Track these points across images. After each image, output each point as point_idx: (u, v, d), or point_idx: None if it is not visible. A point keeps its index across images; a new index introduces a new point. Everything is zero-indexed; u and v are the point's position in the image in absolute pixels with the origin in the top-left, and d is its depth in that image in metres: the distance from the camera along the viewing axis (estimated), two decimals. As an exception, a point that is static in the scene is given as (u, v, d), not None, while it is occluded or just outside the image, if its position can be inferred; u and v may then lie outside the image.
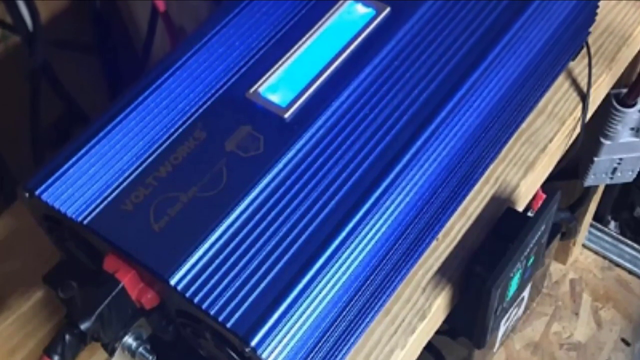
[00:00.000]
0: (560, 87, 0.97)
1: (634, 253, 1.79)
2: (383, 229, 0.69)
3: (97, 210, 0.68)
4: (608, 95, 1.09)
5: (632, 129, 1.15)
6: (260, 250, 0.65)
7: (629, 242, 1.79)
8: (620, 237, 1.80)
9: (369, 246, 0.68)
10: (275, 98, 0.74)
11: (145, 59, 1.48)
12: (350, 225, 0.67)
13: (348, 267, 0.66)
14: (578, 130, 0.97)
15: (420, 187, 0.71)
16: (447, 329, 1.01)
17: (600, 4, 0.90)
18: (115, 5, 1.54)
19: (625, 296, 1.77)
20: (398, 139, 0.71)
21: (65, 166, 0.70)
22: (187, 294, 0.63)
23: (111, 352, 0.70)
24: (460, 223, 0.85)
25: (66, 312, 0.67)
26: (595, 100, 1.00)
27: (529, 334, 1.73)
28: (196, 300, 0.62)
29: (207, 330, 0.64)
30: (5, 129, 1.42)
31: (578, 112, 0.96)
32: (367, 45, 0.77)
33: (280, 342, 0.62)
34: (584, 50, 0.96)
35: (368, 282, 0.69)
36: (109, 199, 0.68)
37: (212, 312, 0.62)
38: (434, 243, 0.83)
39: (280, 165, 0.69)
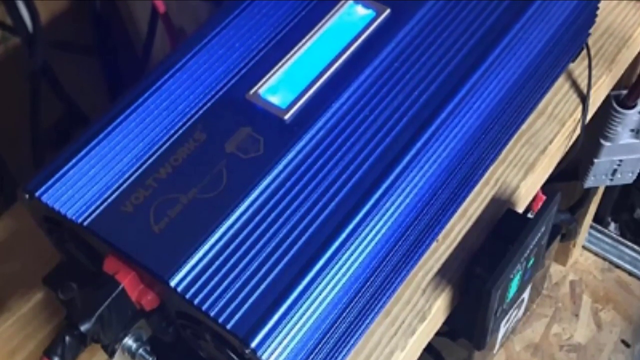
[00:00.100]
0: (560, 89, 0.97)
1: (634, 254, 1.79)
2: (383, 231, 0.69)
3: (97, 211, 0.68)
4: (608, 97, 1.09)
5: (632, 130, 1.15)
6: (260, 251, 0.65)
7: (629, 243, 1.79)
8: (620, 238, 1.80)
9: (369, 248, 0.68)
10: (275, 99, 0.74)
11: (145, 61, 1.48)
12: (350, 226, 0.67)
13: (348, 269, 0.66)
14: (578, 131, 0.97)
15: (420, 188, 0.71)
16: (447, 331, 1.01)
17: (600, 5, 0.90)
18: (115, 7, 1.54)
19: (625, 298, 1.77)
20: (398, 140, 0.71)
21: (65, 168, 0.70)
22: (187, 296, 0.63)
23: (111, 354, 0.70)
24: (461, 224, 0.85)
25: (66, 314, 0.67)
26: (595, 101, 1.00)
27: (529, 335, 1.73)
28: (196, 301, 0.62)
29: (207, 332, 0.64)
30: (6, 130, 1.42)
31: (578, 113, 0.96)
32: (367, 46, 0.77)
33: (280, 343, 0.62)
34: (584, 51, 0.96)
35: (368, 283, 0.69)
36: (109, 200, 0.68)
37: (212, 314, 0.62)
38: (434, 244, 0.83)
39: (280, 167, 0.69)
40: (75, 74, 1.50)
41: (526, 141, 0.92)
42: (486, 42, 0.78)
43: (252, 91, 0.74)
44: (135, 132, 0.72)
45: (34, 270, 0.80)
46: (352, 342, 0.72)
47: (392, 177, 0.70)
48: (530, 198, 0.94)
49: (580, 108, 0.96)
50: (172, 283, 0.63)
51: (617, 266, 1.81)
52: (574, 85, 0.97)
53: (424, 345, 0.84)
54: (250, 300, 0.63)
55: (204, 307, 0.62)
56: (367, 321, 0.74)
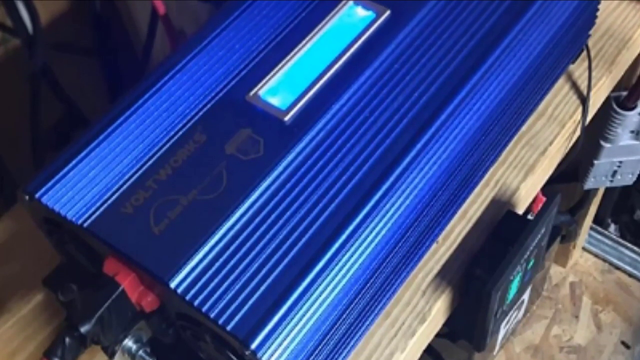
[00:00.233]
0: (560, 90, 0.97)
1: (634, 256, 1.79)
2: (383, 232, 0.69)
3: (97, 213, 0.68)
4: (608, 98, 1.09)
5: (632, 131, 1.15)
6: (260, 253, 0.65)
7: (629, 245, 1.79)
8: (620, 240, 1.80)
9: (369, 249, 0.68)
10: (275, 101, 0.74)
11: (145, 62, 1.48)
12: (350, 228, 0.67)
13: (348, 270, 0.66)
14: (578, 133, 0.97)
15: (420, 190, 0.71)
16: (447, 332, 1.01)
17: (600, 6, 0.90)
18: (115, 8, 1.54)
19: (626, 299, 1.77)
20: (398, 142, 0.71)
21: (65, 169, 0.70)
22: (187, 297, 0.63)
23: (111, 355, 0.70)
24: (460, 226, 0.85)
25: (66, 315, 0.67)
26: (595, 103, 1.00)
27: (529, 336, 1.73)
28: (196, 303, 0.62)
29: (207, 333, 0.64)
30: (6, 132, 1.42)
31: (578, 115, 0.96)
32: (367, 48, 0.77)
33: (280, 345, 0.62)
34: (584, 53, 0.96)
35: (368, 285, 0.69)
36: (109, 201, 0.68)
37: (212, 315, 0.62)
38: (434, 246, 0.83)
39: (280, 168, 0.69)
40: (75, 76, 1.50)
41: (526, 142, 0.92)
42: (486, 44, 0.78)
43: (252, 92, 0.74)
44: (135, 133, 0.72)
45: (34, 272, 0.80)
46: (352, 343, 0.72)
47: (392, 179, 0.70)
48: (530, 199, 0.94)
49: (580, 109, 0.96)
50: (172, 284, 0.63)
51: (617, 267, 1.80)
52: (574, 86, 0.97)
53: (424, 347, 0.84)
54: (251, 302, 0.63)
55: (204, 309, 0.62)
56: (367, 322, 0.74)
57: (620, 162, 1.21)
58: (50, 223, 0.71)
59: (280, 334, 0.62)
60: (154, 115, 0.73)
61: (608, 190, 1.61)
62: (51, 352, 0.65)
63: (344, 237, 0.66)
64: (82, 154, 0.71)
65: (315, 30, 0.78)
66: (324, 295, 0.65)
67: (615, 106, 1.12)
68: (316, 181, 0.69)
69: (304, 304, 0.64)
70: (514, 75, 0.79)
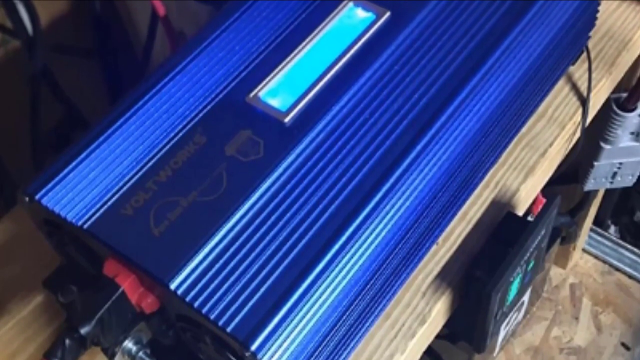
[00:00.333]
0: (560, 92, 0.97)
1: (634, 257, 1.79)
2: (383, 234, 0.69)
3: (97, 214, 0.68)
4: (608, 100, 1.09)
5: (632, 133, 1.15)
6: (260, 254, 0.65)
7: (629, 246, 1.79)
8: (620, 241, 1.80)
9: (369, 250, 0.68)
10: (275, 102, 0.74)
11: (145, 63, 1.48)
12: (350, 229, 0.67)
13: (348, 272, 0.66)
14: (578, 134, 0.97)
15: (420, 191, 0.71)
16: (447, 334, 1.01)
17: (600, 8, 0.91)
18: (115, 10, 1.54)
19: (625, 300, 1.77)
20: (398, 143, 0.71)
21: (65, 170, 0.70)
22: (187, 299, 0.63)
23: (111, 357, 0.70)
24: (460, 227, 0.85)
25: (66, 317, 0.67)
26: (595, 104, 1.00)
27: (529, 338, 1.73)
28: (196, 304, 0.62)
29: (207, 335, 0.64)
30: (6, 133, 1.42)
31: (578, 116, 0.96)
32: (367, 49, 0.77)
33: (280, 346, 0.62)
34: (584, 54, 0.96)
35: (368, 286, 0.69)
36: (109, 203, 0.68)
37: (212, 317, 0.62)
38: (434, 247, 0.83)
39: (280, 170, 0.69)
40: (75, 77, 1.50)
41: (526, 144, 0.92)
42: (486, 45, 0.78)
43: (252, 94, 0.74)
44: (135, 135, 0.72)
45: (34, 273, 0.80)
46: (352, 344, 0.72)
47: (392, 180, 0.70)
48: (530, 201, 0.94)
49: (580, 111, 0.96)
50: (172, 286, 0.63)
51: (617, 269, 1.81)
52: (574, 88, 0.97)
53: (424, 348, 0.84)
54: (250, 303, 0.63)
55: (204, 310, 0.62)
56: (367, 324, 0.74)
57: (620, 163, 1.21)
58: (50, 224, 0.71)
59: (280, 335, 0.62)
60: (154, 117, 0.73)
61: (608, 191, 1.61)
62: (51, 353, 0.65)
63: (344, 238, 0.66)
64: (82, 156, 0.71)
65: (316, 31, 0.78)
66: (324, 297, 0.65)
67: (615, 108, 1.12)
68: (316, 183, 0.69)
69: (304, 305, 0.64)
70: (514, 77, 0.79)
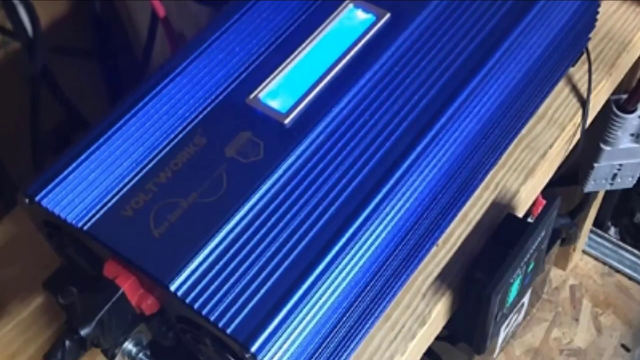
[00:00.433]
0: (560, 93, 0.97)
1: (634, 259, 1.79)
2: (383, 235, 0.69)
3: (97, 216, 0.68)
4: (608, 101, 1.09)
5: (632, 135, 1.16)
6: (260, 256, 0.65)
7: (629, 248, 1.79)
8: (620, 243, 1.80)
9: (369, 252, 0.68)
10: (275, 104, 0.74)
11: (145, 65, 1.48)
12: (350, 231, 0.67)
13: (348, 273, 0.66)
14: (578, 136, 0.97)
15: (420, 192, 0.71)
16: (447, 335, 1.01)
17: (600, 9, 0.91)
18: (115, 11, 1.54)
19: (625, 302, 1.77)
20: (398, 144, 0.71)
21: (65, 172, 0.70)
22: (187, 300, 0.63)
23: (111, 358, 0.70)
24: (461, 229, 0.85)
25: (66, 318, 0.67)
26: (595, 106, 1.00)
27: (529, 339, 1.73)
28: (196, 306, 0.62)
29: (207, 336, 0.64)
30: (6, 135, 1.42)
31: (578, 118, 0.96)
32: (367, 51, 0.77)
33: (280, 348, 0.62)
34: (584, 56, 0.96)
35: (368, 288, 0.69)
36: (109, 204, 0.68)
37: (212, 318, 0.62)
38: (434, 249, 0.83)
39: (280, 171, 0.69)
40: (76, 78, 1.50)
41: (526, 145, 0.92)
42: (486, 47, 0.78)
43: (252, 95, 0.74)
44: (135, 136, 0.72)
45: (34, 275, 0.80)
46: (352, 346, 0.72)
47: (392, 182, 0.70)
48: (530, 202, 0.94)
49: (580, 112, 0.96)
50: (172, 287, 0.63)
51: (617, 270, 1.81)
52: (574, 89, 0.97)
53: (424, 350, 0.84)
54: (250, 305, 0.63)
55: (204, 312, 0.62)
56: (367, 325, 0.74)
57: (620, 165, 1.21)
58: (50, 226, 0.71)
59: (280, 336, 0.62)
60: (154, 118, 0.73)
61: (608, 193, 1.61)
62: (51, 355, 0.65)
63: (344, 240, 0.66)
64: (82, 157, 0.71)
65: (316, 33, 0.78)
66: (324, 298, 0.65)
67: (615, 109, 1.12)
68: (316, 184, 0.69)
69: (304, 306, 0.64)
70: (514, 78, 0.79)
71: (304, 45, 0.77)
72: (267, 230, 0.66)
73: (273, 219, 0.67)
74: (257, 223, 0.67)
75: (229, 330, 0.61)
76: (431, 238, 0.78)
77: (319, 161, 0.70)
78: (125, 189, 0.69)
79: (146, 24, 1.41)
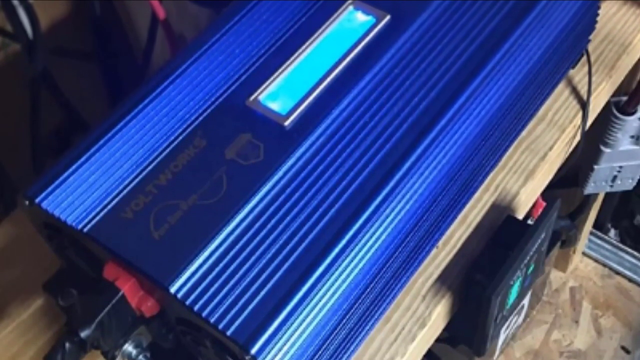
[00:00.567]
0: (560, 95, 0.97)
1: (634, 261, 1.79)
2: (383, 237, 0.69)
3: (97, 218, 0.68)
4: (608, 103, 1.09)
5: (632, 136, 1.16)
6: (260, 258, 0.65)
7: (629, 250, 1.79)
8: (620, 245, 1.80)
9: (369, 254, 0.68)
10: (275, 106, 0.74)
11: (145, 67, 1.48)
12: (350, 233, 0.67)
13: (348, 275, 0.66)
14: (578, 138, 0.97)
15: (420, 194, 0.71)
16: (447, 337, 1.01)
17: (600, 11, 0.91)
18: (115, 13, 1.54)
19: (625, 304, 1.77)
20: (398, 146, 0.71)
21: (65, 174, 0.70)
22: (187, 302, 0.63)
23: (111, 360, 0.70)
24: (460, 231, 0.85)
25: (66, 320, 0.67)
26: (595, 108, 1.00)
27: (529, 341, 1.73)
28: (196, 308, 0.62)
29: (207, 338, 0.64)
30: (5, 137, 1.42)
31: (578, 120, 0.96)
32: (367, 53, 0.77)
33: (280, 350, 0.62)
34: (584, 58, 0.96)
35: (368, 290, 0.69)
36: (109, 206, 0.68)
37: (212, 320, 0.62)
38: (434, 251, 0.83)
39: (280, 173, 0.69)
40: (75, 80, 1.50)
41: (526, 147, 0.92)
42: (486, 49, 0.78)
43: (252, 97, 0.74)
44: (135, 138, 0.72)
45: (34, 277, 0.80)
46: (352, 348, 0.72)
47: (392, 184, 0.70)
48: (530, 204, 0.94)
49: (580, 114, 0.96)
50: (172, 289, 0.63)
51: (617, 272, 1.81)
52: (574, 91, 0.97)
53: (424, 352, 0.84)
54: (251, 307, 0.63)
55: (204, 314, 0.62)
56: (367, 327, 0.74)
57: (620, 167, 1.21)
58: (50, 228, 0.71)
59: (280, 338, 0.62)
60: (154, 120, 0.73)
61: (608, 195, 1.61)
62: (51, 357, 0.65)
63: (344, 241, 0.66)
64: (82, 159, 0.71)
65: (316, 35, 0.78)
66: (324, 300, 0.65)
67: (615, 111, 1.12)
68: (316, 186, 0.69)
69: (304, 308, 0.64)
70: (514, 80, 0.79)
71: (304, 47, 0.77)
72: (267, 232, 0.66)
73: (273, 221, 0.67)
74: (257, 225, 0.67)
75: (229, 332, 0.61)
76: (431, 240, 0.78)
77: (319, 163, 0.70)
78: (125, 191, 0.69)
79: (146, 26, 1.41)
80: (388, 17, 0.79)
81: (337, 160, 0.70)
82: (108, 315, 0.65)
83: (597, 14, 0.90)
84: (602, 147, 1.17)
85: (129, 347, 0.70)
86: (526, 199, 0.90)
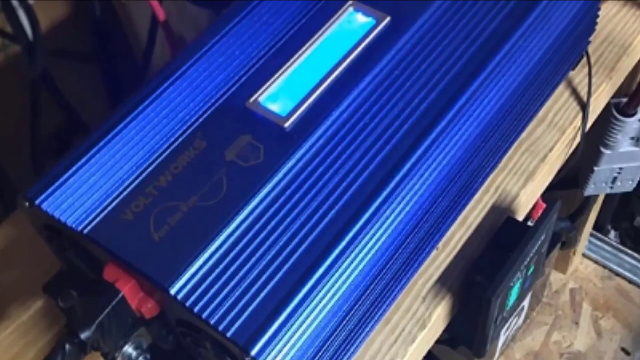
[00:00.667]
0: (560, 97, 0.97)
1: (634, 262, 1.79)
2: (383, 238, 0.69)
3: (97, 219, 0.68)
4: (608, 105, 1.09)
5: (632, 138, 1.16)
6: (260, 259, 0.65)
7: (629, 251, 1.79)
8: (620, 246, 1.80)
9: (369, 255, 0.68)
10: (275, 107, 0.74)
11: (145, 68, 1.48)
12: (351, 234, 0.67)
13: (348, 277, 0.66)
14: (578, 139, 0.97)
15: (420, 196, 0.71)
16: (447, 338, 1.01)
17: (601, 13, 0.91)
18: (116, 15, 1.54)
19: (625, 305, 1.77)
20: (398, 148, 0.71)
21: (65, 175, 0.70)
22: (187, 304, 0.63)
23: (111, 362, 0.70)
24: (460, 232, 0.85)
25: (66, 322, 0.67)
26: (595, 109, 1.00)
27: (529, 343, 1.73)
28: (196, 309, 0.62)
29: (207, 340, 0.64)
30: (6, 138, 1.42)
31: (578, 121, 0.96)
32: (367, 54, 0.77)
33: (280, 351, 0.62)
34: (584, 59, 0.96)
35: (368, 291, 0.69)
36: (109, 208, 0.68)
37: (212, 322, 0.62)
38: (434, 252, 0.83)
39: (280, 175, 0.69)
40: (75, 82, 1.50)
41: (526, 149, 0.92)
42: (486, 50, 0.78)
43: (252, 99, 0.74)
44: (135, 140, 0.72)
45: (34, 278, 0.80)
46: (352, 349, 0.72)
47: (392, 185, 0.70)
48: (530, 206, 0.94)
49: (580, 116, 0.96)
50: (172, 291, 0.63)
51: (617, 274, 1.81)
52: (574, 93, 0.97)
53: (424, 353, 0.84)
54: (251, 308, 0.62)
55: (204, 315, 0.62)
56: (367, 329, 0.74)
57: (620, 168, 1.21)
58: (50, 229, 0.71)
59: (280, 340, 0.62)
60: (154, 122, 0.73)
61: (608, 196, 1.61)
62: (51, 358, 0.65)
63: (344, 243, 0.66)
64: (82, 161, 0.71)
65: (316, 36, 0.78)
66: (324, 302, 0.65)
67: (615, 113, 1.12)
68: (316, 187, 0.69)
69: (304, 310, 0.64)
70: (514, 82, 0.79)
71: (304, 48, 0.77)
72: (267, 234, 0.66)
73: (273, 223, 0.67)
74: (257, 226, 0.67)
75: (229, 334, 0.61)
76: (431, 241, 0.78)
77: (318, 165, 0.70)
78: (125, 193, 0.69)
79: (146, 28, 1.41)
80: (388, 19, 0.79)
81: (337, 162, 0.70)
82: (108, 316, 0.65)
83: (597, 15, 0.90)
84: (602, 149, 1.17)
85: (129, 349, 0.70)
86: (526, 200, 0.90)
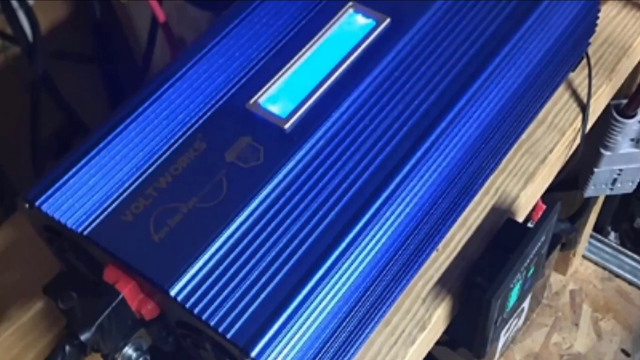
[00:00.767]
0: (560, 98, 0.97)
1: (634, 264, 1.79)
2: (383, 240, 0.69)
3: (97, 221, 0.68)
4: (608, 106, 1.09)
5: (632, 139, 1.15)
6: (260, 260, 0.65)
7: (629, 253, 1.79)
8: (620, 248, 1.80)
9: (369, 257, 0.68)
10: (275, 109, 0.74)
11: (145, 70, 1.48)
12: (351, 235, 0.67)
13: (348, 278, 0.66)
14: (578, 141, 0.97)
15: (420, 197, 0.71)
16: (447, 340, 1.01)
17: (600, 14, 0.91)
18: (116, 16, 1.54)
19: (625, 307, 1.77)
20: (398, 149, 0.71)
21: (65, 177, 0.70)
22: (187, 305, 0.63)
23: (111, 363, 0.70)
24: (460, 234, 0.85)
25: (66, 323, 0.67)
26: (595, 111, 1.00)
27: (529, 344, 1.73)
28: (196, 311, 0.62)
29: (207, 341, 0.64)
30: (6, 140, 1.42)
31: (578, 123, 0.96)
32: (367, 56, 0.77)
33: (280, 352, 0.62)
34: (584, 61, 0.96)
35: (368, 292, 0.69)
36: (109, 209, 0.68)
37: (212, 323, 0.62)
38: (434, 254, 0.83)
39: (280, 176, 0.69)
40: (75, 83, 1.50)
41: (526, 150, 0.92)
42: (486, 51, 0.78)
43: (252, 100, 0.74)
44: (135, 141, 0.72)
45: (34, 280, 0.80)
46: (352, 351, 0.72)
47: (392, 187, 0.70)
48: (530, 207, 0.94)
49: (580, 117, 0.96)
50: (172, 292, 0.63)
51: (617, 275, 1.80)
52: (574, 94, 0.97)
53: (424, 355, 0.84)
54: (251, 310, 0.63)
55: (204, 317, 0.62)
56: (367, 330, 0.74)
57: (620, 170, 1.21)
58: (50, 231, 0.71)
59: (280, 341, 0.62)
60: (154, 123, 0.73)
61: (608, 198, 1.61)
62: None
63: (344, 244, 0.66)
64: (82, 162, 0.71)
65: (316, 38, 0.78)
66: (324, 303, 0.65)
67: (615, 114, 1.12)
68: (316, 189, 0.69)
69: (304, 311, 0.64)
70: (514, 83, 0.79)
71: (304, 50, 0.77)
72: (267, 235, 0.66)
73: (273, 224, 0.67)
74: (257, 228, 0.67)
75: (229, 335, 0.61)
76: (431, 243, 0.78)
77: (319, 166, 0.70)
78: (125, 194, 0.69)
79: (146, 29, 1.41)
80: (388, 20, 0.79)
81: (337, 163, 0.70)
82: (108, 318, 0.65)
83: (597, 17, 0.90)
84: (602, 150, 1.16)
85: (129, 350, 0.70)
86: (526, 202, 0.90)
